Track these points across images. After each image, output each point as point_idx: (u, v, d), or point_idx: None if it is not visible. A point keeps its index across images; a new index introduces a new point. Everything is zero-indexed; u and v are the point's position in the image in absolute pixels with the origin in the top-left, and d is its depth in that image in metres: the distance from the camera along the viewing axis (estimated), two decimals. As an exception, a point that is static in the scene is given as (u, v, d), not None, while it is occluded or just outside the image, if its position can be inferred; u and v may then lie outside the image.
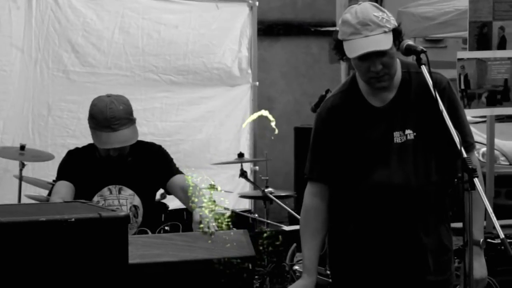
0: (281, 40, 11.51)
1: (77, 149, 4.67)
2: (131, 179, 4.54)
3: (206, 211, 3.98)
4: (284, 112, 10.68)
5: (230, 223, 4.01)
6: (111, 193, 4.54)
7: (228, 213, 4.11)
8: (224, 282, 3.75)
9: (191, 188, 4.24)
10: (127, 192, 4.54)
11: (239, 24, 7.27)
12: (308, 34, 11.60)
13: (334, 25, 10.02)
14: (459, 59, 6.00)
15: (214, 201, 4.08)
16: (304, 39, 11.61)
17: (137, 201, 4.56)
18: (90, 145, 4.65)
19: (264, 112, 6.24)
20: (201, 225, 3.92)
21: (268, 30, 10.85)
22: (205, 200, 4.06)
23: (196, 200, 4.14)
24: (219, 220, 3.98)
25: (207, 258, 3.76)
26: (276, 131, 6.24)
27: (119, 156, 4.51)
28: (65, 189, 4.44)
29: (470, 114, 5.96)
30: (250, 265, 3.82)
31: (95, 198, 4.50)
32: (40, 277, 3.01)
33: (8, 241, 2.96)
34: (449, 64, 7.08)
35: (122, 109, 4.48)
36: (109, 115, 4.43)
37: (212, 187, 4.31)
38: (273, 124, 6.14)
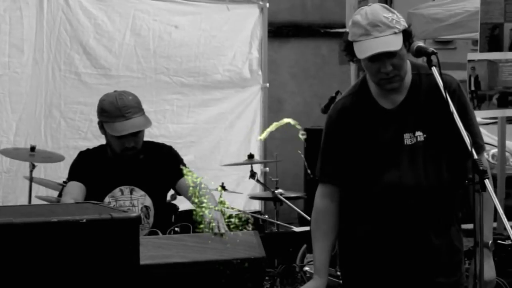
0: (291, 41, 11.50)
1: (88, 150, 4.69)
2: (143, 179, 4.56)
3: (206, 212, 3.98)
4: (293, 113, 10.64)
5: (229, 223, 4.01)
6: (122, 194, 4.55)
7: (228, 213, 4.12)
8: (234, 283, 3.75)
9: (191, 188, 4.25)
10: (139, 193, 4.56)
11: (249, 26, 7.27)
12: (317, 35, 11.59)
13: (343, 26, 10.00)
14: (470, 61, 5.99)
15: (221, 202, 4.08)
16: (314, 40, 11.60)
17: (148, 201, 4.57)
18: (101, 146, 4.67)
19: (288, 120, 6.03)
20: (212, 226, 3.93)
21: (277, 31, 10.84)
22: (205, 201, 4.06)
23: (196, 200, 4.15)
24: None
25: (218, 259, 3.77)
26: (304, 136, 6.04)
27: (132, 152, 4.51)
28: (76, 190, 4.46)
29: (481, 116, 5.94)
30: (260, 266, 3.83)
31: (107, 199, 4.51)
32: (51, 278, 3.02)
33: (19, 242, 2.97)
34: (459, 66, 7.07)
35: (132, 99, 4.55)
36: (120, 104, 4.49)
37: (220, 189, 4.32)
38: (302, 136, 5.90)
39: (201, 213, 3.99)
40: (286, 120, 5.98)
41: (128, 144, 4.50)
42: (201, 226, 3.96)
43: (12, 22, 6.35)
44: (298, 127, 5.83)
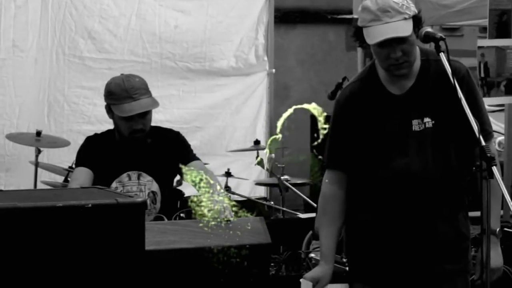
0: (298, 27, 11.46)
1: (95, 135, 4.68)
2: (150, 164, 4.54)
3: (206, 211, 3.95)
4: (300, 100, 10.58)
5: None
6: (130, 179, 4.54)
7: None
8: (240, 268, 3.75)
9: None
10: (146, 178, 4.55)
11: (256, 11, 7.25)
12: (324, 21, 11.54)
13: (350, 12, 9.96)
14: (479, 47, 5.98)
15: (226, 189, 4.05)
16: (321, 26, 11.55)
17: (155, 187, 4.56)
18: (108, 131, 4.65)
19: (308, 106, 5.76)
20: (211, 225, 3.90)
21: (284, 17, 10.79)
22: (204, 200, 4.03)
23: (194, 199, 4.12)
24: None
25: (223, 245, 3.76)
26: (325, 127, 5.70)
27: (141, 134, 4.49)
28: (83, 176, 4.44)
29: (488, 103, 5.93)
30: (266, 252, 3.82)
31: (114, 185, 4.50)
32: (56, 262, 3.02)
33: (25, 226, 2.97)
34: (466, 53, 7.02)
35: (139, 81, 4.55)
36: (127, 86, 4.48)
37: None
38: (321, 122, 5.30)
39: (200, 212, 3.96)
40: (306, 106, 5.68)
41: (136, 126, 4.48)
42: (200, 225, 3.93)
43: (17, 6, 6.33)
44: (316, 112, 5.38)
